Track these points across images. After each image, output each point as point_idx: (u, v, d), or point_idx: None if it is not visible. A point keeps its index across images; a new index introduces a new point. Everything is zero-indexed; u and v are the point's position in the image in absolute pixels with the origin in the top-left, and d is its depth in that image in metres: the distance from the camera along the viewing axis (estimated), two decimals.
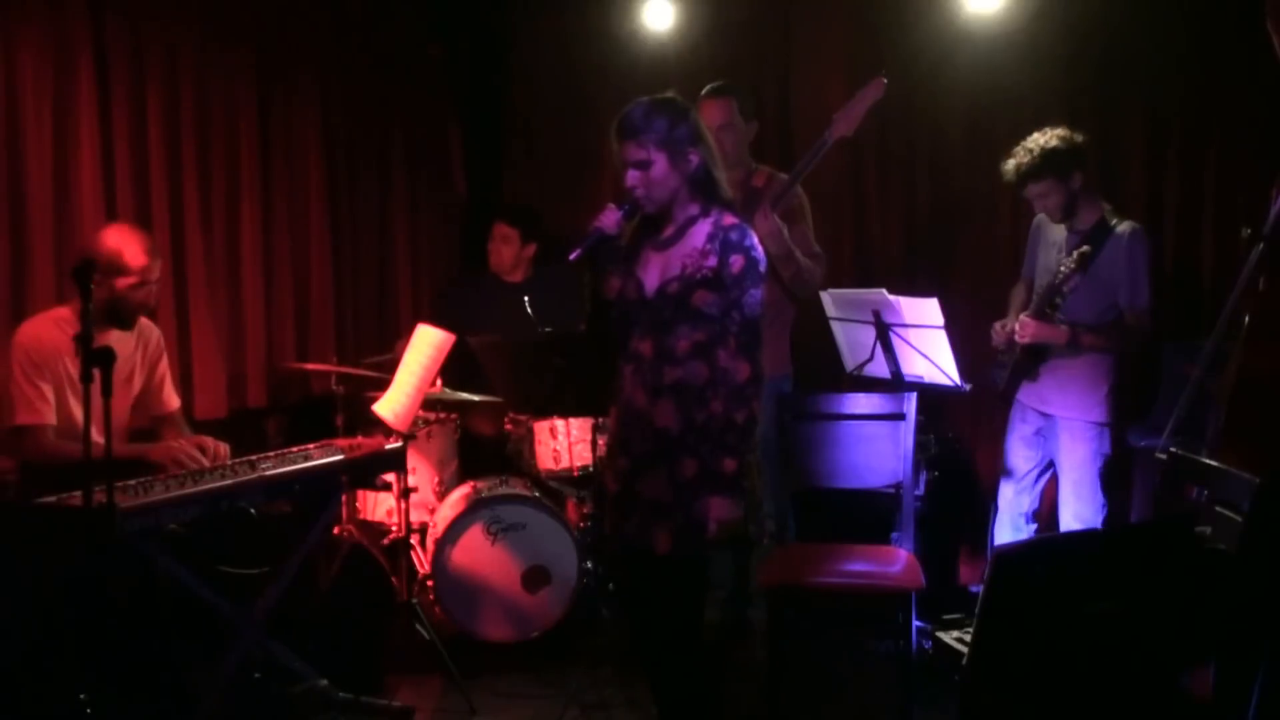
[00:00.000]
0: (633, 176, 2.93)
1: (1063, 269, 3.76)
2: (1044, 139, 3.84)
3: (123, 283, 3.49)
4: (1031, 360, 4.00)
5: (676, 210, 2.99)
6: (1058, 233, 3.98)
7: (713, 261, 2.91)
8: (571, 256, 2.93)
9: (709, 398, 2.92)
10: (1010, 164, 3.89)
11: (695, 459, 2.92)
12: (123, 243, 3.50)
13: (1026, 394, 4.10)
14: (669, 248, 2.99)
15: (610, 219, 2.94)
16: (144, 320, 3.73)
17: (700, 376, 2.93)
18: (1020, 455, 4.14)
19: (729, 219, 2.97)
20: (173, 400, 3.87)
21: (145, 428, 3.84)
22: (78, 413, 3.46)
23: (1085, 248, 3.74)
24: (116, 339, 3.50)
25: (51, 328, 3.49)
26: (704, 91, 4.16)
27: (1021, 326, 3.89)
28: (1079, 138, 3.87)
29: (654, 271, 2.98)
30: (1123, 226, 3.88)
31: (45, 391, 3.43)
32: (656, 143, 2.91)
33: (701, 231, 2.97)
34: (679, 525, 2.91)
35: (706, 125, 4.06)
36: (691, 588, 3.04)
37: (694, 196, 2.98)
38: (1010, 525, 4.14)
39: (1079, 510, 3.95)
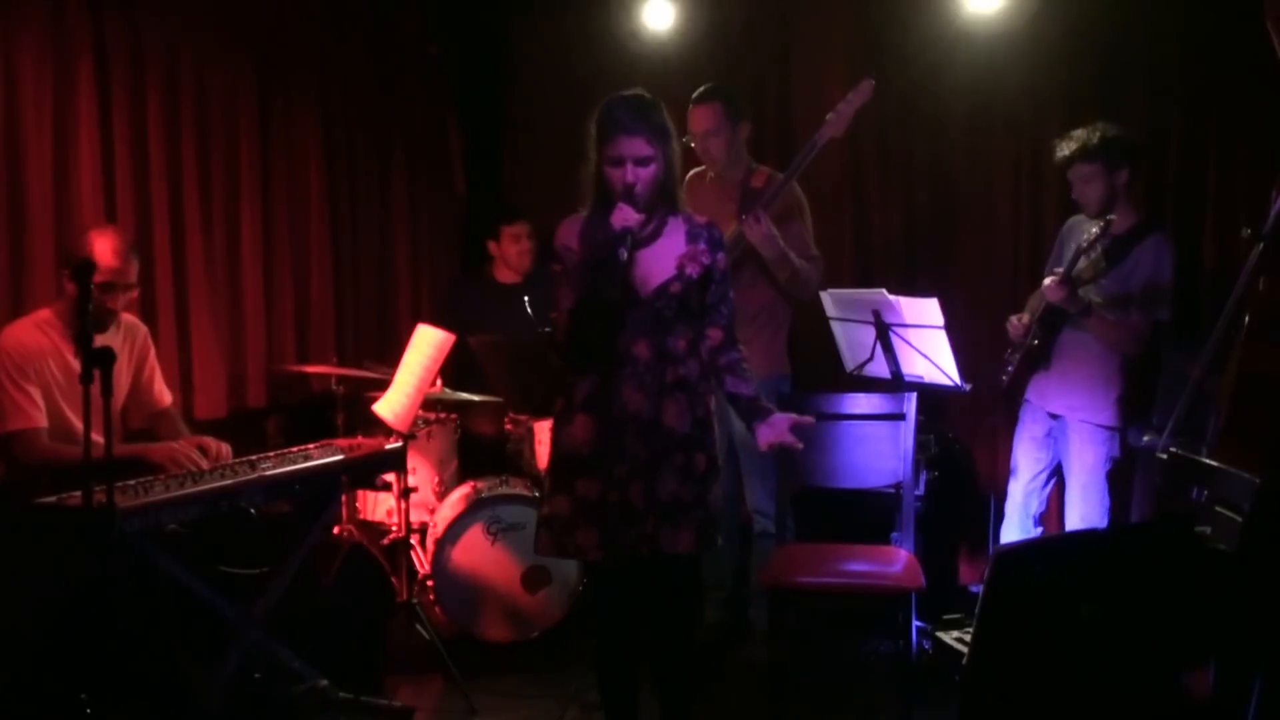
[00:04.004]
0: (633, 173, 2.89)
1: (1090, 233, 3.79)
2: (1106, 126, 3.88)
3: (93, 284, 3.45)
4: (1040, 354, 4.00)
5: (653, 210, 2.99)
6: (1090, 233, 3.97)
7: (707, 260, 2.98)
8: (623, 258, 2.86)
9: (703, 392, 3.01)
10: (1066, 142, 3.89)
11: (704, 453, 2.97)
12: (97, 245, 3.48)
13: (1036, 394, 4.09)
14: (643, 248, 2.97)
15: (633, 218, 2.88)
16: (131, 318, 3.72)
17: (696, 372, 3.01)
18: (1029, 456, 4.13)
19: (698, 217, 3.06)
20: (165, 396, 3.84)
21: (142, 427, 3.82)
22: (67, 414, 3.46)
23: (1111, 216, 3.77)
24: (98, 341, 3.48)
25: (34, 330, 3.47)
26: (693, 96, 4.14)
27: (1056, 284, 3.82)
28: (1138, 141, 3.92)
29: (635, 272, 2.96)
30: (1155, 235, 3.89)
31: (33, 395, 3.41)
32: (659, 140, 2.92)
33: (678, 230, 3.00)
34: (700, 522, 2.95)
35: (693, 130, 4.09)
36: (700, 581, 3.15)
37: (663, 197, 2.99)
38: (1018, 527, 4.14)
39: (1085, 512, 3.94)
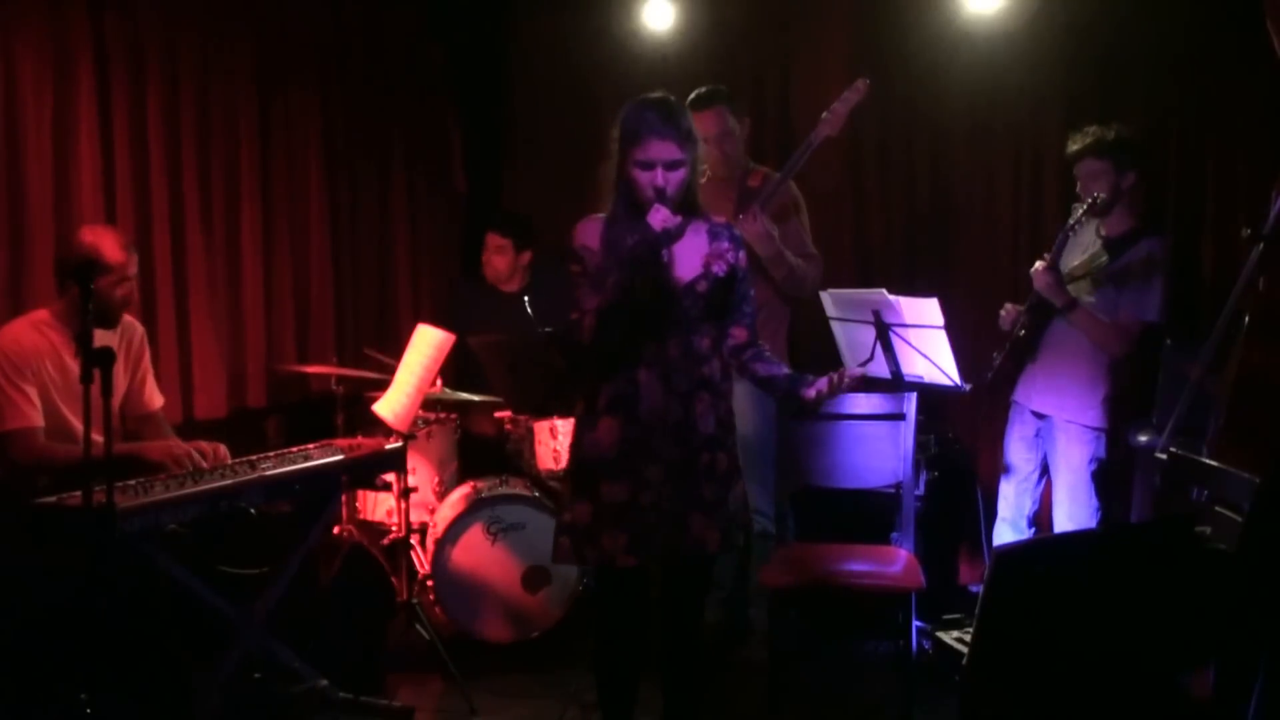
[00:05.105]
0: (663, 176, 2.87)
1: (1076, 212, 3.81)
2: (1122, 128, 3.89)
3: (103, 281, 3.42)
4: (1027, 346, 4.00)
5: (678, 213, 2.99)
6: (1087, 235, 3.98)
7: (732, 258, 3.00)
8: (666, 260, 2.85)
9: (724, 392, 3.02)
10: (1080, 136, 3.90)
11: (725, 453, 2.98)
12: (99, 241, 3.47)
13: (1023, 395, 4.10)
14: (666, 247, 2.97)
15: (672, 219, 2.85)
16: (128, 318, 3.70)
17: (719, 372, 3.01)
18: (1020, 456, 4.14)
19: (716, 217, 3.08)
20: (155, 399, 3.81)
21: (130, 429, 3.80)
22: (65, 414, 3.45)
23: (1098, 194, 3.79)
24: (100, 339, 3.48)
25: (30, 331, 3.46)
26: (691, 100, 4.12)
27: (1043, 269, 3.84)
28: (1149, 147, 3.97)
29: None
30: (1150, 239, 3.89)
31: (30, 395, 3.39)
32: (687, 144, 2.91)
33: (700, 230, 3.01)
34: (724, 522, 2.96)
35: (701, 136, 4.08)
36: (709, 581, 3.16)
37: (687, 200, 2.98)
38: (1011, 527, 4.14)
39: (1073, 512, 3.95)
